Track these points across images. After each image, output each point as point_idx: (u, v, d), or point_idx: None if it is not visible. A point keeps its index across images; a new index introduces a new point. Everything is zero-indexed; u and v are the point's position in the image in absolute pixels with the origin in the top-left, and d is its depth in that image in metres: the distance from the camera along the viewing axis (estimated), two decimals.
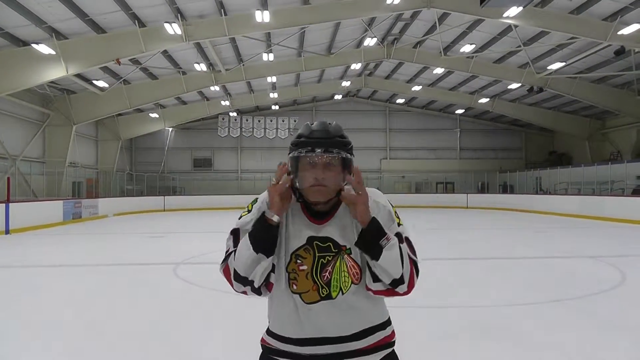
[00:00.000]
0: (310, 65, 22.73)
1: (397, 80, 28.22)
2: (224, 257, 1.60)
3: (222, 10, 15.95)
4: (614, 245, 11.22)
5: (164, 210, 26.87)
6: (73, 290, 6.44)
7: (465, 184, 32.66)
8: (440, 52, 21.07)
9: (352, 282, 1.55)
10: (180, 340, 4.24)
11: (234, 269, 1.54)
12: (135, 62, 19.57)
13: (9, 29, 15.11)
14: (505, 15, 15.65)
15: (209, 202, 28.16)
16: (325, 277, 1.55)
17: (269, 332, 1.65)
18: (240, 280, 1.53)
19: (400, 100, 32.37)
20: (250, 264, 1.50)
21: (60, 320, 4.92)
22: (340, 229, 1.58)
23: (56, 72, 16.46)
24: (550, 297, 5.73)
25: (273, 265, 1.54)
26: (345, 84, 27.93)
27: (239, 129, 32.25)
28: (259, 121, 32.41)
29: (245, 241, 1.52)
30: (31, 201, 18.13)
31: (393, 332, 1.66)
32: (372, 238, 1.48)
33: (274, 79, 24.43)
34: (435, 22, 18.46)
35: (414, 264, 1.54)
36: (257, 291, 1.55)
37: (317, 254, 1.56)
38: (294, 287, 1.55)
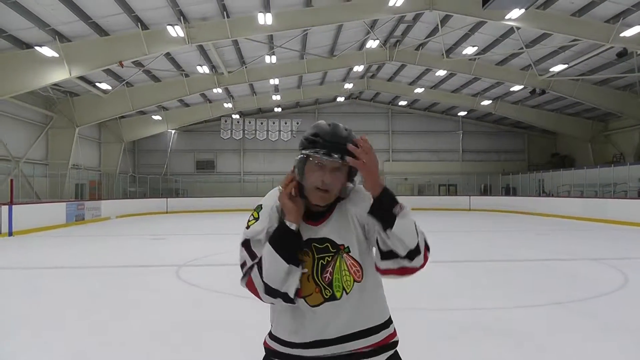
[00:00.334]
0: (313, 68, 22.75)
1: (400, 82, 28.23)
2: (243, 270, 1.57)
3: (225, 12, 15.99)
4: (617, 248, 11.18)
5: (167, 213, 26.89)
6: (75, 292, 6.46)
7: (468, 186, 32.66)
8: (443, 54, 21.07)
9: (354, 281, 1.55)
10: (182, 342, 4.24)
11: (266, 284, 1.50)
12: (138, 64, 19.63)
13: (12, 32, 15.18)
14: (507, 17, 15.63)
15: (212, 204, 28.19)
16: (327, 277, 1.54)
17: (272, 336, 1.64)
18: (272, 293, 1.51)
19: (402, 103, 32.38)
20: (284, 276, 1.49)
21: (62, 322, 4.93)
22: (337, 229, 1.58)
23: (59, 75, 16.51)
24: (552, 299, 5.71)
25: None
26: (348, 86, 27.95)
27: (241, 131, 32.29)
28: (262, 123, 32.46)
29: (272, 254, 1.49)
30: (34, 203, 18.16)
31: (395, 330, 1.66)
32: (385, 206, 1.45)
33: (276, 81, 24.46)
34: (438, 24, 18.46)
35: (424, 238, 1.53)
36: (291, 301, 1.51)
37: (316, 256, 1.56)
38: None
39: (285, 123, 32.45)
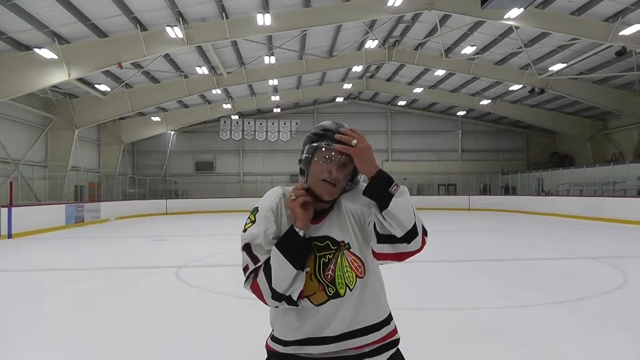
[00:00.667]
0: (312, 68, 22.76)
1: (399, 82, 28.24)
2: (245, 274, 1.57)
3: (224, 13, 15.99)
4: (616, 247, 11.21)
5: (166, 214, 26.90)
6: (75, 294, 6.45)
7: (467, 186, 32.66)
8: (442, 54, 21.10)
9: (357, 277, 1.55)
10: (183, 344, 4.24)
11: (273, 288, 1.51)
12: (137, 65, 19.62)
13: (11, 34, 15.16)
14: (506, 16, 15.66)
15: (211, 205, 28.20)
16: (329, 275, 1.55)
17: (274, 338, 1.63)
18: (278, 297, 1.51)
19: (401, 103, 32.40)
20: (292, 281, 1.50)
21: (62, 324, 4.93)
22: (337, 226, 1.58)
23: (58, 77, 16.51)
24: (552, 298, 5.72)
25: None
26: (347, 86, 27.97)
27: (240, 132, 32.26)
28: (261, 124, 32.44)
29: (282, 263, 1.50)
30: (34, 205, 18.16)
31: (396, 327, 1.66)
32: (381, 186, 1.45)
33: (275, 81, 24.47)
34: (437, 24, 18.48)
35: (421, 222, 1.52)
36: (295, 303, 1.52)
37: (317, 254, 1.57)
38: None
39: (285, 124, 32.44)
